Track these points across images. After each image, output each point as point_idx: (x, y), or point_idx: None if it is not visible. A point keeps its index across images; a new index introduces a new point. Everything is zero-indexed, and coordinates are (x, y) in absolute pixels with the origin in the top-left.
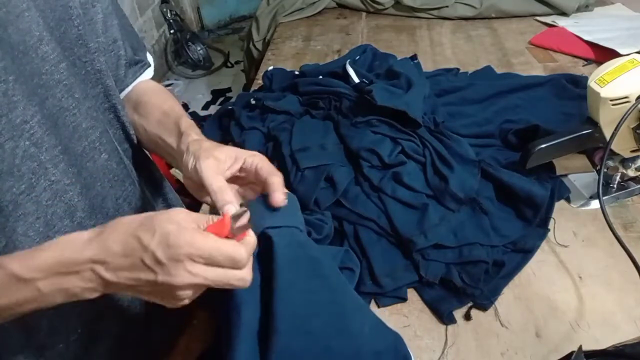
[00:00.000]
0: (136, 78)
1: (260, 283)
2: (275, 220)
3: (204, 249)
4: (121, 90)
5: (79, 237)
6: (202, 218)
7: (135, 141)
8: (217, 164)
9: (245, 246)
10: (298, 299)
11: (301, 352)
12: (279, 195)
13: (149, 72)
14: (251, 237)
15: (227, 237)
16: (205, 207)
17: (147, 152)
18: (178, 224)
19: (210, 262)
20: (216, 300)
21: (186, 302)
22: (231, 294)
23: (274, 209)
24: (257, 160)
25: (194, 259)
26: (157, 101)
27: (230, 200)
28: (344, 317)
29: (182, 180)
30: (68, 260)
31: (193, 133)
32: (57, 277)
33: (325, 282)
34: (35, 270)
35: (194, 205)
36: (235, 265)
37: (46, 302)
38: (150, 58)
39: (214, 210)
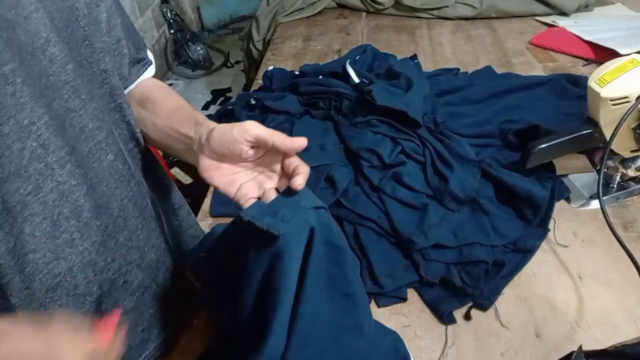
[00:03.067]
0: (139, 76)
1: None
2: (310, 201)
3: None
4: (125, 89)
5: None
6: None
7: (141, 140)
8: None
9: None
10: (321, 284)
11: (316, 339)
12: (300, 178)
13: (151, 70)
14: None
15: None
16: (205, 207)
17: (152, 151)
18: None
19: None
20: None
21: None
22: (276, 279)
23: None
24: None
25: None
26: (166, 97)
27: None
28: (357, 313)
29: (182, 180)
30: None
31: (213, 122)
32: None
33: (343, 274)
34: None
35: (194, 205)
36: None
37: None
38: (151, 56)
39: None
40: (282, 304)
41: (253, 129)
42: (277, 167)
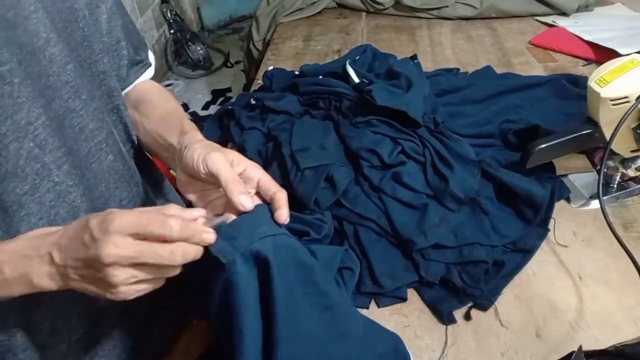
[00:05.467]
0: (137, 78)
1: (259, 292)
2: (268, 229)
3: (132, 223)
4: (122, 90)
5: (52, 228)
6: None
7: (137, 142)
8: (228, 159)
9: (177, 218)
10: (296, 306)
11: (302, 358)
12: (285, 212)
13: (150, 72)
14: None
15: None
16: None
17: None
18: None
19: (140, 234)
20: (213, 314)
21: (121, 289)
22: (231, 305)
23: (262, 220)
24: (261, 174)
25: (124, 232)
26: (159, 101)
27: (244, 191)
28: (338, 322)
29: None
30: (35, 244)
31: (198, 134)
32: (22, 260)
33: (317, 289)
34: (3, 253)
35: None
36: (165, 231)
37: (6, 292)
38: (151, 57)
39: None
40: (245, 331)
41: (214, 164)
42: (252, 190)
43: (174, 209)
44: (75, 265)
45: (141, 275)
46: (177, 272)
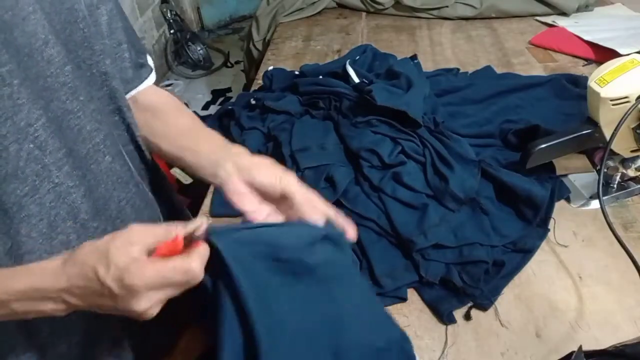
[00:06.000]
0: (142, 80)
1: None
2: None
3: (156, 279)
4: (127, 92)
5: (50, 266)
6: (159, 232)
7: (141, 143)
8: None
9: (196, 257)
10: (269, 301)
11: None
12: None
13: (153, 76)
14: (202, 248)
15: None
16: (205, 207)
17: (150, 154)
18: (131, 257)
19: (166, 285)
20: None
21: (150, 313)
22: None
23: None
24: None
25: (150, 289)
26: (181, 111)
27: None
28: (326, 303)
29: (182, 180)
30: (40, 288)
31: (240, 147)
32: (30, 301)
33: (289, 265)
34: (10, 294)
35: (193, 205)
36: (190, 278)
37: (19, 317)
38: (150, 62)
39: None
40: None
41: (289, 186)
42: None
43: (175, 228)
44: (98, 305)
45: (166, 297)
46: (201, 276)
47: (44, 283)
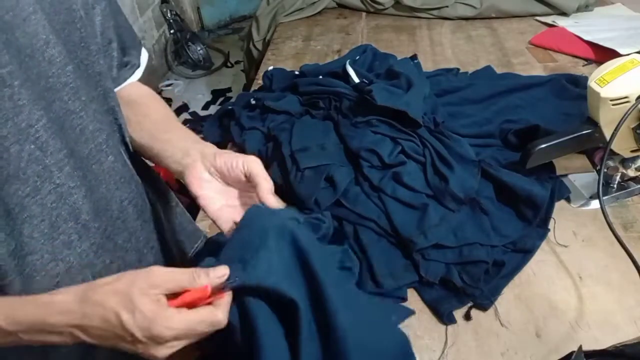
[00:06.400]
0: (126, 79)
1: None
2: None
3: (184, 331)
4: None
5: (62, 301)
6: (181, 278)
7: (129, 143)
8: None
9: (222, 308)
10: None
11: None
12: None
13: (138, 73)
14: (227, 298)
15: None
16: None
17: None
18: (157, 305)
19: (191, 336)
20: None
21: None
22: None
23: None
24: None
25: (175, 339)
26: (156, 103)
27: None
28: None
29: (182, 180)
30: (50, 323)
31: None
32: (38, 333)
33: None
34: (18, 324)
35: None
36: (216, 328)
37: (25, 343)
38: (144, 56)
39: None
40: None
41: (252, 166)
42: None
43: (202, 276)
44: (113, 345)
45: (187, 344)
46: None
47: (54, 318)
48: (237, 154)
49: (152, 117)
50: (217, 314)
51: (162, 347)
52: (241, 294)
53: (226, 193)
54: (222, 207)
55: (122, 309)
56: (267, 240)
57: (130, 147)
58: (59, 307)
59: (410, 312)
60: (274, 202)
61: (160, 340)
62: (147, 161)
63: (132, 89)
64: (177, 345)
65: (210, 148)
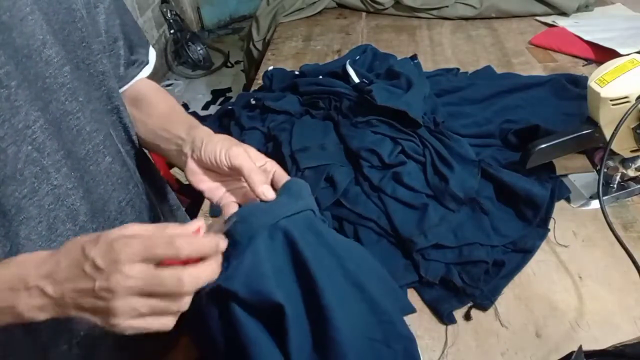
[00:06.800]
0: (134, 77)
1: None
2: (288, 208)
3: (142, 255)
4: (119, 89)
5: (37, 256)
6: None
7: (137, 142)
8: (249, 154)
9: (183, 236)
10: (332, 281)
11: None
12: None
13: (147, 70)
14: (202, 265)
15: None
16: (205, 207)
17: (147, 153)
18: (121, 232)
19: (148, 258)
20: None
21: (120, 321)
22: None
23: (283, 200)
24: (277, 168)
25: (132, 260)
26: (160, 98)
27: (266, 181)
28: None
29: (182, 180)
30: (21, 276)
31: (206, 127)
32: (8, 292)
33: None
34: None
35: (193, 205)
36: (173, 251)
37: None
38: (152, 54)
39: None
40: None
41: (236, 157)
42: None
43: (172, 227)
44: (73, 296)
45: (144, 309)
46: (184, 306)
47: (26, 270)
48: (223, 143)
49: (153, 115)
50: (184, 272)
51: (117, 272)
52: (225, 301)
53: (227, 179)
54: (224, 196)
55: (88, 243)
56: (254, 243)
57: (137, 145)
58: (34, 260)
59: (412, 309)
60: (267, 195)
61: (116, 258)
62: (149, 160)
63: (138, 85)
64: (131, 277)
65: (199, 139)
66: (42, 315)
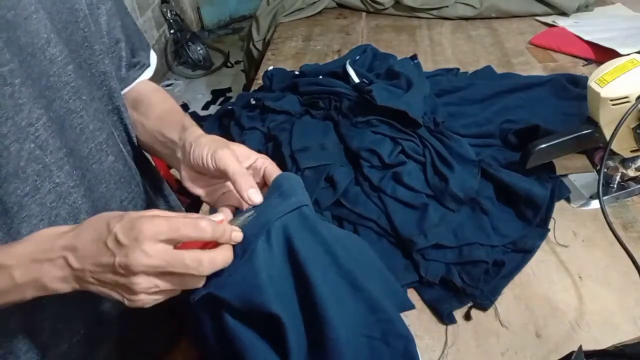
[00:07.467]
0: (136, 79)
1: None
2: (279, 209)
3: (163, 224)
4: (121, 90)
5: (59, 229)
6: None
7: (137, 143)
8: (235, 155)
9: (207, 219)
10: (327, 279)
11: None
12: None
13: (148, 73)
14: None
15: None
16: (205, 207)
17: (147, 153)
18: (145, 214)
19: (172, 239)
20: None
21: (140, 297)
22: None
23: (277, 200)
24: (268, 163)
25: (156, 238)
26: (158, 100)
27: (253, 185)
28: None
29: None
30: (44, 247)
31: (198, 129)
32: (31, 264)
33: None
34: (12, 257)
35: (193, 205)
36: (199, 233)
37: (18, 296)
38: (153, 57)
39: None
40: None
41: (221, 160)
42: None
43: (192, 214)
44: (94, 270)
45: (163, 285)
46: (200, 283)
47: (49, 241)
48: (210, 146)
49: (151, 117)
50: (203, 222)
51: (138, 249)
52: (218, 308)
53: (220, 182)
54: (219, 199)
55: (113, 218)
56: (249, 253)
57: (137, 146)
58: (56, 232)
59: (411, 305)
60: (253, 199)
61: (138, 236)
62: (149, 161)
63: (139, 87)
64: (152, 256)
65: (188, 143)
66: (65, 287)
